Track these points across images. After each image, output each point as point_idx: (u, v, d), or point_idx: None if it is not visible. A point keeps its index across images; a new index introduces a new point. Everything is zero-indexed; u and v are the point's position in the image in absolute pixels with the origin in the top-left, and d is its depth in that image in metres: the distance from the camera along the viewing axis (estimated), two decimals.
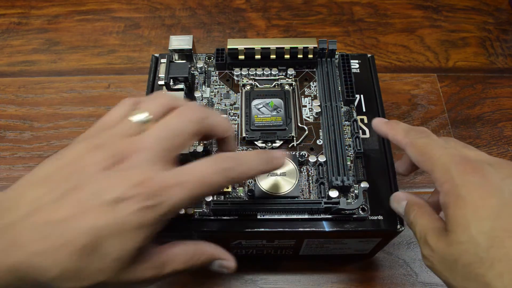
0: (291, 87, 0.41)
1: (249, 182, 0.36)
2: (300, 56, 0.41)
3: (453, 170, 0.26)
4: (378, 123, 0.34)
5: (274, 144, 0.37)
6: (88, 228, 0.22)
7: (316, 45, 0.40)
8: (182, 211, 0.34)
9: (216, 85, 0.41)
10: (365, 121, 0.39)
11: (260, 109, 0.39)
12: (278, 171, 0.36)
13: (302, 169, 0.37)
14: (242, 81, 0.41)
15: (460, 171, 0.26)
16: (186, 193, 0.24)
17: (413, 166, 0.34)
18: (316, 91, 0.41)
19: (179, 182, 0.24)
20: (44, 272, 0.22)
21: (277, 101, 0.39)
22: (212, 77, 0.42)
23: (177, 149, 0.26)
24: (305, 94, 0.41)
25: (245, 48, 0.40)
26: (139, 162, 0.24)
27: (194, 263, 0.27)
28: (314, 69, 0.42)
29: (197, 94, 0.40)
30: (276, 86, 0.41)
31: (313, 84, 0.41)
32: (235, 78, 0.42)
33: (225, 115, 0.39)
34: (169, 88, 0.39)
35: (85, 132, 0.27)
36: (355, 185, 0.36)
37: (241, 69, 0.41)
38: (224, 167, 0.25)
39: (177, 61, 0.40)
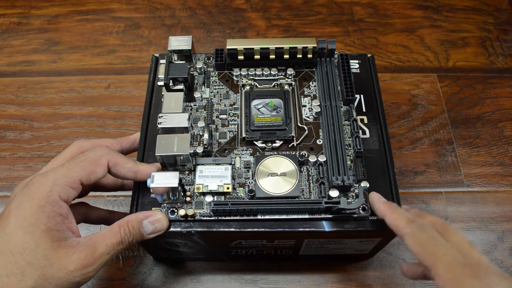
0: (291, 87, 0.41)
1: (249, 183, 0.36)
2: (299, 56, 0.40)
3: (459, 272, 0.26)
4: (376, 201, 0.33)
5: (274, 144, 0.37)
6: None
7: (315, 45, 0.40)
8: (183, 212, 0.34)
9: (215, 86, 0.41)
10: (365, 121, 0.39)
11: (260, 109, 0.39)
12: (278, 171, 0.36)
13: (302, 169, 0.37)
14: (242, 82, 0.41)
15: (467, 275, 0.26)
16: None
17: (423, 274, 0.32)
18: (315, 91, 0.41)
19: None
20: None
21: (277, 101, 0.39)
22: (211, 78, 0.42)
23: None
24: (305, 94, 0.41)
25: (244, 49, 0.40)
26: None
27: (124, 233, 0.31)
28: (314, 69, 0.42)
29: (196, 94, 0.40)
30: (276, 86, 0.41)
31: (312, 84, 0.41)
32: (235, 78, 0.42)
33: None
34: (169, 89, 0.39)
35: None
36: (355, 185, 0.36)
37: (240, 69, 0.41)
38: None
39: (176, 62, 0.40)
